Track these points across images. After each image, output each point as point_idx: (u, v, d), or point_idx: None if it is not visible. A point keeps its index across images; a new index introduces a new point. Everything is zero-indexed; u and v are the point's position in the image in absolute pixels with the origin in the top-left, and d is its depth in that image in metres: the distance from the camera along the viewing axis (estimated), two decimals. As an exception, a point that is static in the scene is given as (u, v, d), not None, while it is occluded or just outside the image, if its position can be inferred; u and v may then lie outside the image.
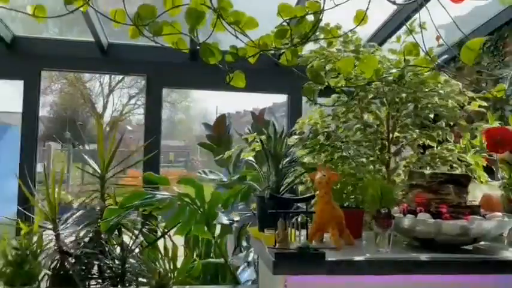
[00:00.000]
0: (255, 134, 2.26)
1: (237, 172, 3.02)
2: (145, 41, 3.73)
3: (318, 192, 1.45)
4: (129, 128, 20.68)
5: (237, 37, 1.77)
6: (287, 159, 1.61)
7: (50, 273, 1.64)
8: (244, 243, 2.80)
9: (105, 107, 17.11)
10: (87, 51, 3.47)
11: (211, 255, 2.70)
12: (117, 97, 17.27)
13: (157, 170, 3.39)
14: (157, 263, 1.86)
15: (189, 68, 3.64)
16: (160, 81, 3.58)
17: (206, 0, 1.74)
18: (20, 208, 2.91)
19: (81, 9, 1.69)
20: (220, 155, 2.53)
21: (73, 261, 1.76)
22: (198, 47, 1.77)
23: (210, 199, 1.72)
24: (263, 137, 1.65)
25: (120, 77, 15.61)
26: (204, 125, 3.30)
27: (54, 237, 1.79)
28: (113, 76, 15.71)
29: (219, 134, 3.22)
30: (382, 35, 3.19)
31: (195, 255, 2.61)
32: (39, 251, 1.38)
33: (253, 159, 2.53)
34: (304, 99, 3.69)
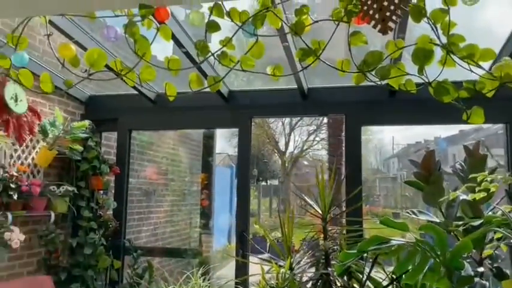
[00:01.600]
0: (487, 172, 2.04)
1: (450, 213, 2.77)
2: (343, 82, 3.78)
3: None
4: (306, 163, 21.44)
5: (472, 71, 1.65)
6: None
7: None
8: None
9: (287, 145, 18.18)
10: (289, 97, 3.76)
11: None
12: (298, 134, 18.19)
13: (360, 208, 3.36)
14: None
15: (387, 104, 3.58)
16: (358, 120, 3.61)
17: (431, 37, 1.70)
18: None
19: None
20: (444, 197, 2.35)
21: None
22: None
23: (455, 247, 1.59)
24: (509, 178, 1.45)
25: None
26: (411, 161, 3.15)
27: (290, 277, 1.92)
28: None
29: (429, 171, 3.01)
30: None
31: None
32: (292, 291, 1.48)
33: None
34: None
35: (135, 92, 4.01)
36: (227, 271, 6.11)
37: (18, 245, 3.11)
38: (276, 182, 20.26)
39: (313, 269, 2.17)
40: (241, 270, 3.65)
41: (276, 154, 18.63)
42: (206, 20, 1.89)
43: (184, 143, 6.82)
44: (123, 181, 4.11)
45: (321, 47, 1.77)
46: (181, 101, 4.13)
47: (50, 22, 2.36)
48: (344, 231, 2.55)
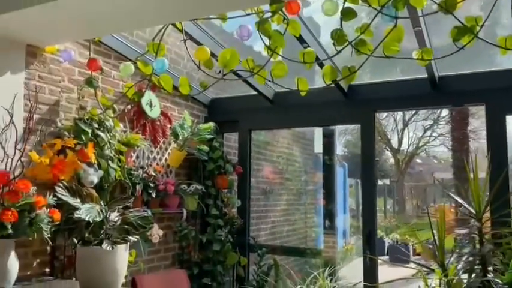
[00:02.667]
0: None
1: None
2: (483, 67, 3.36)
3: None
4: (419, 161, 19.97)
5: None
6: None
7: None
8: None
9: (400, 142, 17.18)
10: (417, 87, 3.47)
11: None
12: (412, 130, 17.07)
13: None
14: None
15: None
16: (503, 108, 3.18)
17: None
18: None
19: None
20: None
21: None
22: None
23: None
24: None
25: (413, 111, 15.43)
26: None
27: (445, 283, 1.72)
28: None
29: None
30: None
31: None
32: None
33: None
34: None
35: (254, 93, 4.07)
36: (347, 271, 5.93)
37: (158, 240, 3.35)
38: (388, 182, 19.25)
39: (465, 275, 1.93)
40: (369, 272, 3.47)
41: (389, 152, 17.71)
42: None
43: (298, 142, 6.79)
44: (245, 180, 4.21)
45: (478, 24, 1.55)
46: (299, 99, 4.08)
47: (180, 29, 2.48)
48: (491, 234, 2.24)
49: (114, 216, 2.18)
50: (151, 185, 3.33)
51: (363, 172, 3.64)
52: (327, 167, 5.87)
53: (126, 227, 2.14)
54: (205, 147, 3.81)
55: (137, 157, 3.49)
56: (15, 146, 2.28)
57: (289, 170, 6.37)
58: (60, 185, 2.08)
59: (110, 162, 2.84)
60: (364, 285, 3.43)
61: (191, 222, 3.90)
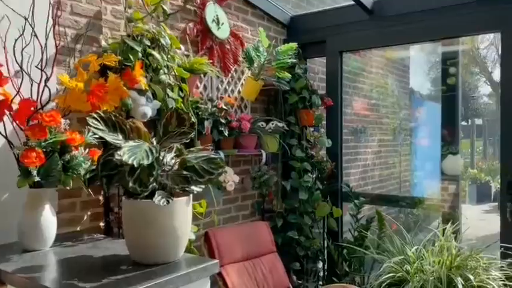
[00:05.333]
0: None
1: None
2: None
3: None
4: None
5: None
6: None
7: None
8: None
9: (504, 75, 14.90)
10: None
11: None
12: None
13: None
14: None
15: None
16: None
17: None
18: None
19: None
20: None
21: None
22: None
23: None
24: None
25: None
26: None
27: None
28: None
29: None
30: None
31: None
32: None
33: None
34: None
35: (346, 3, 3.19)
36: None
37: (233, 188, 2.77)
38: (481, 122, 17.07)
39: None
40: (509, 229, 2.62)
41: (489, 87, 15.48)
42: None
43: (392, 73, 5.76)
44: (335, 115, 3.43)
45: None
46: (409, 5, 3.13)
47: None
48: None
49: (169, 158, 1.57)
50: (223, 121, 2.70)
51: (503, 101, 2.68)
52: (446, 100, 4.72)
53: (185, 173, 1.52)
54: (287, 74, 3.06)
55: (204, 88, 2.86)
56: (40, 67, 1.71)
57: (383, 105, 5.42)
58: (95, 115, 1.49)
59: (168, 91, 2.22)
60: (501, 246, 2.61)
61: (272, 166, 3.27)
